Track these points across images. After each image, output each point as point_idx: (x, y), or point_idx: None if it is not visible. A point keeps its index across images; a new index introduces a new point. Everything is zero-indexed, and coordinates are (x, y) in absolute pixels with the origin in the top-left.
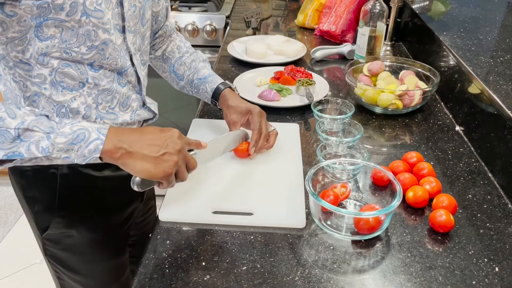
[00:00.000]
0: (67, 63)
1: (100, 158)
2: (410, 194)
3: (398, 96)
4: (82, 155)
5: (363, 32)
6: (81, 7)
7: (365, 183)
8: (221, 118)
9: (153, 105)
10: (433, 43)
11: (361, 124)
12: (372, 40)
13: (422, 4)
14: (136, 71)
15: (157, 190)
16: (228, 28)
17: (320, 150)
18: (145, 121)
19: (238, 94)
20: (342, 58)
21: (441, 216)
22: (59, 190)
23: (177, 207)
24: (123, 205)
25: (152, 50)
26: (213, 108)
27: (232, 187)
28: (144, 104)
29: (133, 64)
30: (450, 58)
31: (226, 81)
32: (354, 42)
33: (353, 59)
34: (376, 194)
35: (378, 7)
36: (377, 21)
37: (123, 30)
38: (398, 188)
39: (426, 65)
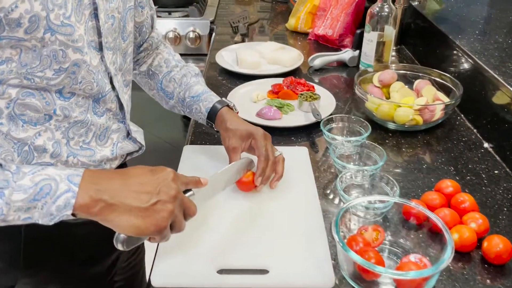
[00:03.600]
0: (29, 91)
1: (73, 214)
2: (455, 236)
3: (418, 110)
4: (48, 213)
5: (371, 37)
6: (43, 22)
7: (394, 219)
8: (218, 140)
9: (138, 133)
10: (446, 47)
11: (376, 144)
12: (380, 46)
13: (425, 4)
14: (117, 96)
15: None
16: (213, 34)
17: (340, 182)
18: (129, 154)
19: (237, 112)
20: (341, 65)
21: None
22: (24, 245)
23: (173, 267)
24: (106, 253)
25: (136, 65)
26: (206, 129)
27: (238, 235)
28: (128, 134)
29: (113, 87)
30: (469, 64)
31: (224, 99)
32: (353, 47)
33: (355, 66)
34: (412, 235)
35: (386, 9)
36: (384, 24)
37: (100, 48)
38: (450, 240)
39: (447, 74)
